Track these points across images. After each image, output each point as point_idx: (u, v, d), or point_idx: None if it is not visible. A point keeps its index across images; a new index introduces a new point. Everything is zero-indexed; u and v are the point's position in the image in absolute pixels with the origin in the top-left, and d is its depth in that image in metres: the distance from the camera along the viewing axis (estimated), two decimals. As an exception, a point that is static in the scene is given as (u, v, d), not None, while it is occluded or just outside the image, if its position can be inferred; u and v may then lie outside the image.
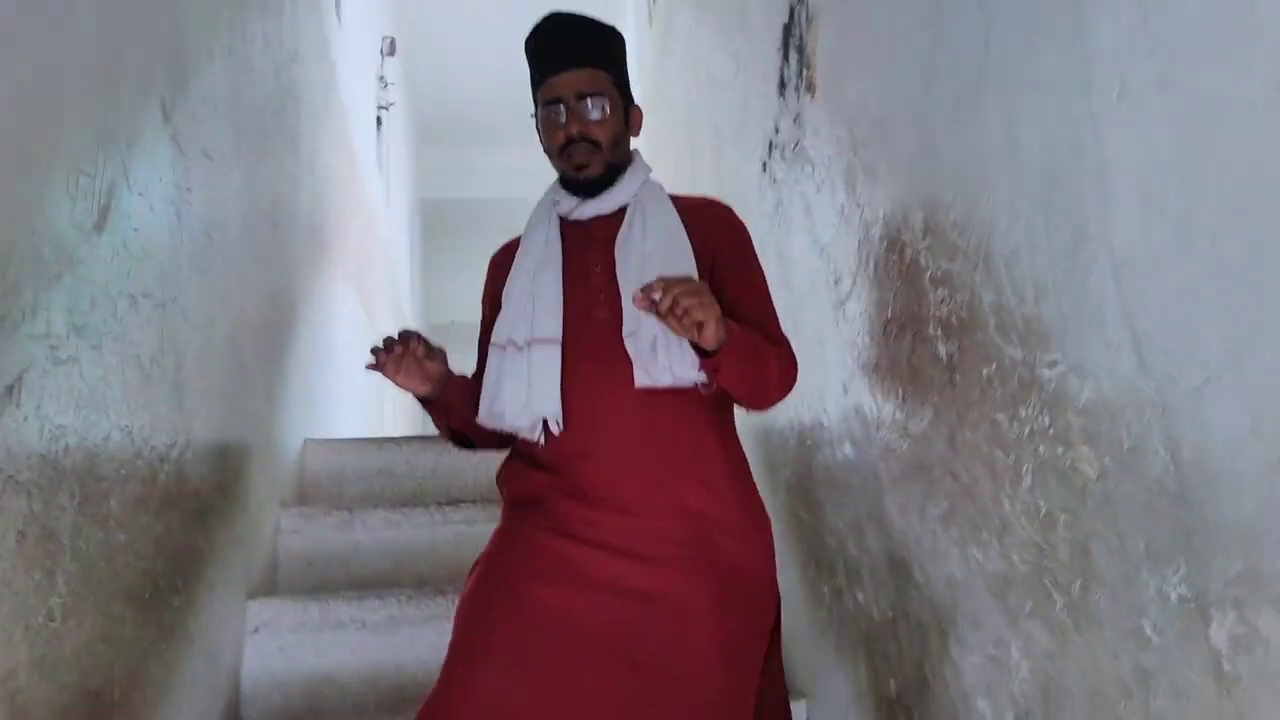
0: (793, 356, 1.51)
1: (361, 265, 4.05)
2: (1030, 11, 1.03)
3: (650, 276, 1.39)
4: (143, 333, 1.62)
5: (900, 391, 1.45)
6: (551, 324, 1.49)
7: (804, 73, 1.83)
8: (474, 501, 2.60)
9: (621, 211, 1.55)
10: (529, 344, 1.48)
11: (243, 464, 2.23)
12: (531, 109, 1.58)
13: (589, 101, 1.52)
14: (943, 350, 1.30)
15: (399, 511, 2.54)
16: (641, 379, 1.42)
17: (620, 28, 4.95)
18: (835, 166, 1.68)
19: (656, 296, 1.27)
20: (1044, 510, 1.05)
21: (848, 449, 1.70)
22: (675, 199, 1.58)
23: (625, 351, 1.43)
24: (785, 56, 1.95)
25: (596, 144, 1.51)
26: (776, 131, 2.03)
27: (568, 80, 1.52)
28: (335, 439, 2.98)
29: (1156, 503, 0.86)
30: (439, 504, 2.57)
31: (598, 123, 1.52)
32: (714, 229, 1.54)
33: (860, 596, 1.66)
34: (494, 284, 1.65)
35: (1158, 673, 0.87)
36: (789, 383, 1.50)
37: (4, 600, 1.17)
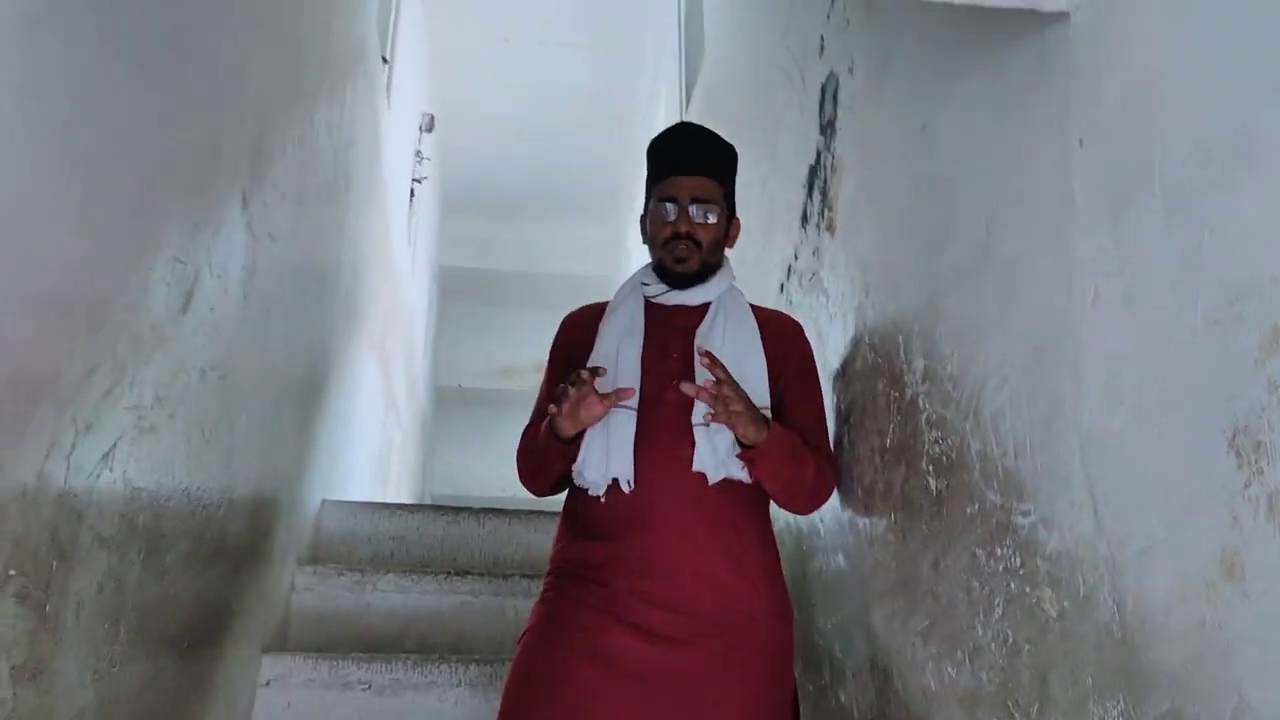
0: (834, 466, 1.71)
1: (385, 331, 4.23)
2: (1025, 216, 1.21)
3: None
4: (208, 403, 1.78)
5: (892, 514, 1.61)
6: (630, 394, 1.64)
7: (825, 213, 2.02)
8: (480, 574, 2.73)
9: (704, 307, 1.74)
10: (610, 409, 1.62)
11: (272, 522, 2.37)
12: (642, 202, 1.81)
13: (702, 207, 1.71)
14: (932, 484, 1.46)
15: (408, 577, 2.67)
16: (699, 465, 1.60)
17: (652, 125, 5.26)
18: (848, 302, 1.86)
19: (716, 376, 1.50)
20: (1011, 639, 1.20)
21: (840, 559, 1.85)
22: (754, 309, 1.77)
23: (689, 435, 1.60)
24: (809, 194, 2.14)
25: (699, 244, 1.70)
26: (796, 258, 2.21)
27: (687, 184, 1.71)
28: (351, 501, 3.12)
29: (1104, 644, 1.02)
30: (446, 573, 2.70)
31: (704, 226, 1.71)
32: (784, 341, 1.76)
33: (842, 696, 1.80)
34: (568, 342, 1.83)
35: (1097, 793, 1.01)
36: (826, 489, 1.71)
37: (81, 646, 1.31)
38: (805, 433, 1.67)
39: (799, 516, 2.12)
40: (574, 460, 1.65)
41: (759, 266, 2.46)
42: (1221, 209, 0.87)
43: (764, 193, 2.58)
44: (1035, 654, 1.15)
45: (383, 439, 4.46)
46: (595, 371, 1.56)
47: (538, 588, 2.57)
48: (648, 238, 1.78)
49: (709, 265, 1.74)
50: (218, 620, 1.96)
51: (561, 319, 1.90)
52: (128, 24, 1.33)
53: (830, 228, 1.98)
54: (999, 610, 1.24)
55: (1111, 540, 1.01)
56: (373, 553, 2.95)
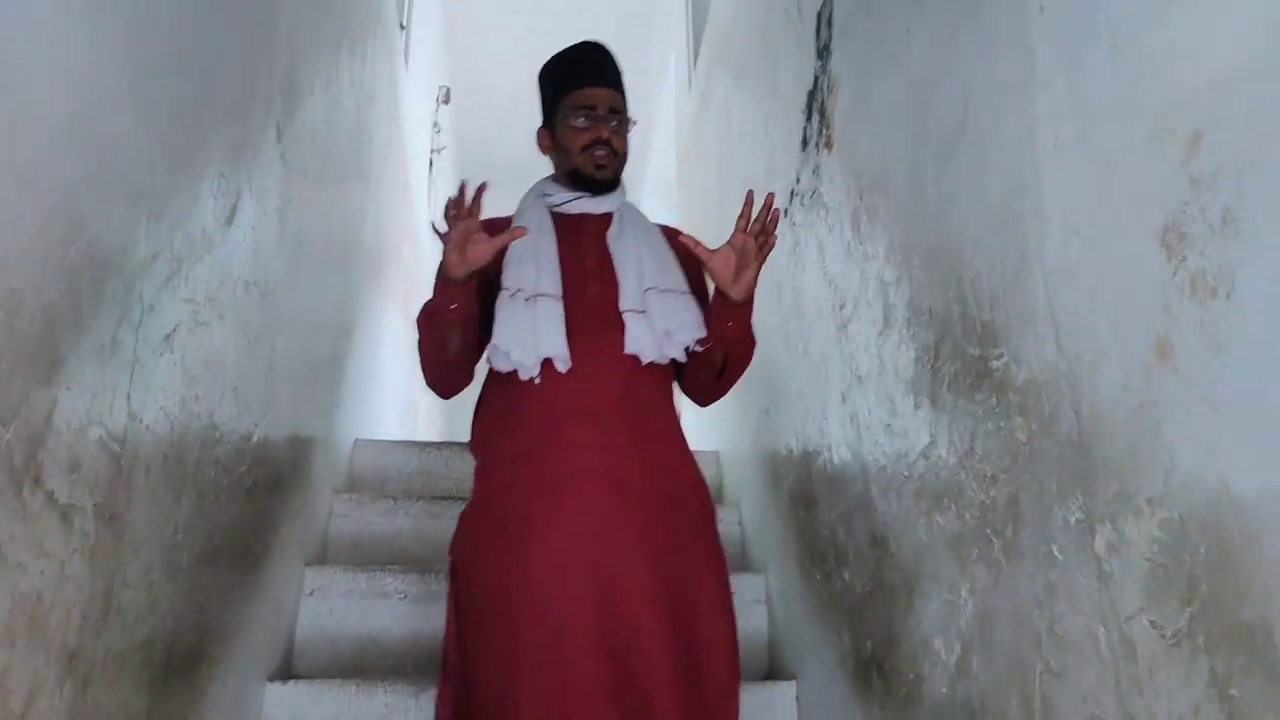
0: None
1: (408, 291, 4.37)
2: (995, 89, 1.33)
3: (646, 273, 1.74)
4: (251, 313, 1.92)
5: (887, 392, 1.73)
6: (552, 283, 1.72)
7: (824, 131, 2.14)
8: (506, 500, 2.86)
9: (606, 216, 1.83)
10: (535, 296, 1.69)
11: (309, 450, 2.51)
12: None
13: (617, 118, 1.81)
14: (923, 356, 1.58)
15: (437, 504, 2.81)
16: (632, 346, 1.69)
17: (660, 90, 5.38)
18: (845, 210, 1.98)
19: (773, 209, 1.61)
20: (989, 474, 1.33)
21: (844, 451, 1.97)
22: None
23: (617, 322, 1.70)
24: (809, 117, 2.26)
25: (616, 153, 1.81)
26: (798, 181, 2.33)
27: (604, 95, 1.81)
28: (381, 440, 3.26)
29: (1065, 454, 1.14)
30: (474, 501, 2.84)
31: (619, 137, 1.82)
32: (674, 242, 1.82)
33: (846, 575, 1.92)
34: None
35: (1060, 584, 1.14)
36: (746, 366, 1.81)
37: (154, 540, 1.44)
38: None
39: (805, 424, 2.24)
40: (466, 319, 1.67)
41: (768, 187, 2.58)
42: (1157, 39, 0.99)
43: (766, 131, 2.70)
44: (1008, 481, 1.27)
45: (407, 395, 4.60)
46: (481, 188, 1.61)
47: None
48: (557, 147, 1.84)
49: (618, 175, 1.84)
50: (263, 530, 2.09)
51: None
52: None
53: (828, 144, 2.10)
54: (979, 451, 1.36)
55: (1070, 358, 1.13)
56: (403, 487, 3.09)
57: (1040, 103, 1.21)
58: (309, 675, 2.31)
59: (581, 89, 1.81)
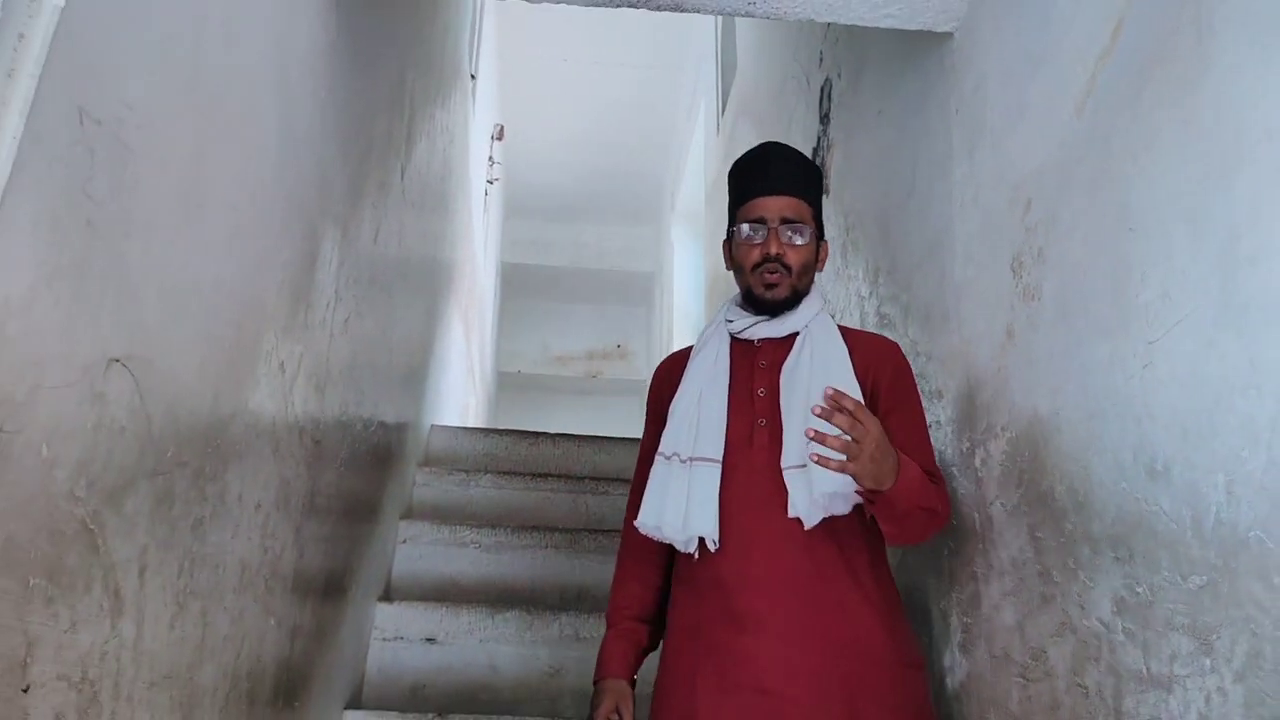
0: (947, 497, 1.59)
1: (468, 306, 5.00)
2: (930, 159, 1.93)
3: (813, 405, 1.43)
4: (380, 315, 2.53)
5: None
6: (714, 445, 1.57)
7: (822, 180, 2.74)
8: (558, 476, 3.46)
9: (791, 339, 1.63)
10: (691, 460, 1.56)
11: (403, 433, 3.11)
12: (726, 223, 1.73)
13: (790, 227, 1.61)
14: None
15: (503, 477, 3.40)
16: (794, 510, 1.51)
17: (693, 134, 6.12)
18: (837, 243, 2.57)
19: (839, 425, 1.33)
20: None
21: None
22: (845, 331, 1.66)
23: (780, 485, 1.52)
24: (811, 169, 2.86)
25: (789, 268, 1.60)
26: (803, 219, 2.93)
27: (775, 204, 1.62)
28: (453, 426, 3.87)
29: (961, 404, 1.72)
30: (532, 475, 3.43)
31: (793, 248, 1.61)
32: (877, 362, 1.63)
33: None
34: (658, 395, 1.76)
35: (956, 490, 1.71)
36: (941, 521, 1.57)
37: (296, 491, 2.03)
38: (910, 451, 1.52)
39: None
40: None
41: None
42: (1013, 141, 1.59)
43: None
44: (931, 424, 1.85)
45: (463, 401, 5.22)
46: None
47: (604, 489, 3.33)
48: (733, 264, 1.68)
49: (799, 291, 1.63)
50: (374, 494, 2.68)
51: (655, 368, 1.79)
52: (347, 32, 2.09)
53: (826, 191, 2.70)
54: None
55: (964, 342, 1.72)
56: (472, 464, 3.69)
57: (955, 173, 1.81)
58: (405, 600, 2.89)
59: (752, 199, 1.64)
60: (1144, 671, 1.12)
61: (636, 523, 1.60)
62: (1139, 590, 1.15)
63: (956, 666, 1.67)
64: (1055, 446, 1.39)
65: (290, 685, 1.82)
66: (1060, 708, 1.31)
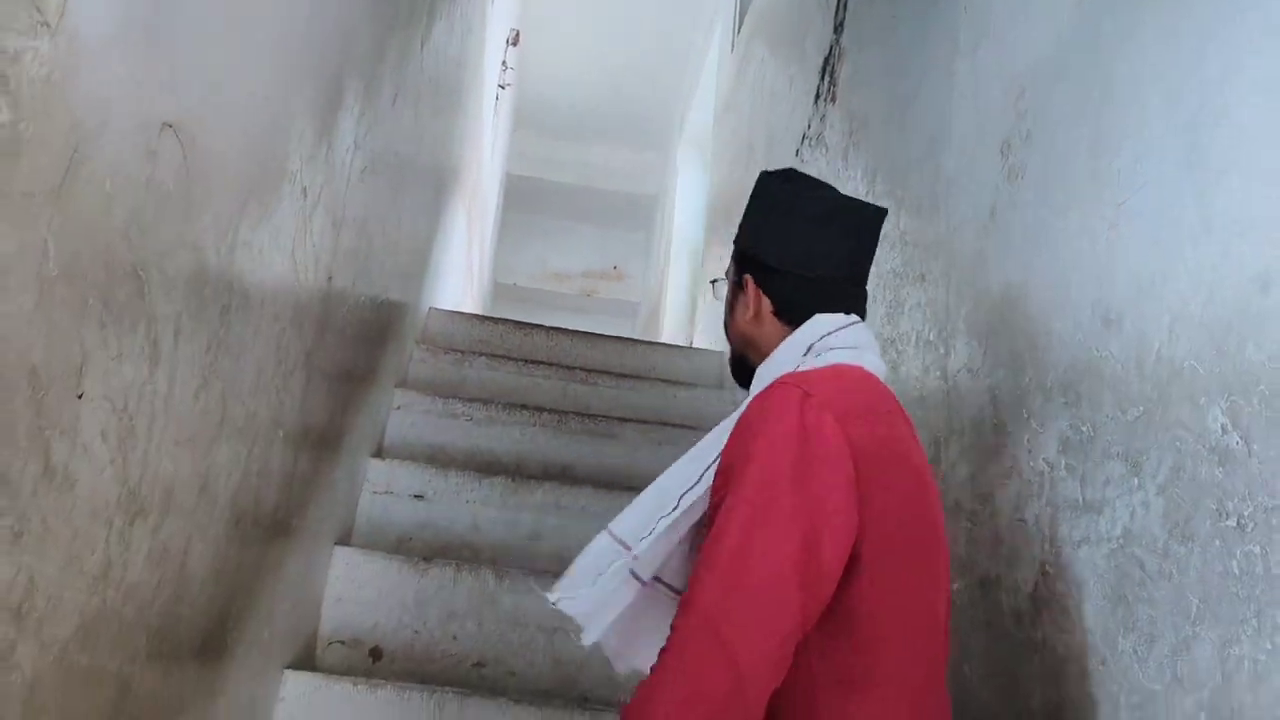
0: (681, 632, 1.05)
1: (471, 201, 5.06)
2: (937, 60, 2.01)
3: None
4: (394, 181, 2.60)
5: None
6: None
7: (831, 89, 2.81)
8: (549, 364, 3.56)
9: None
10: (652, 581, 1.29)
11: (402, 311, 3.20)
12: None
13: (714, 287, 1.41)
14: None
15: (496, 360, 3.51)
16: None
17: (707, 52, 6.16)
18: (839, 147, 2.65)
19: None
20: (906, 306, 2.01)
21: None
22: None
23: None
24: (822, 78, 2.93)
25: (726, 328, 1.37)
26: (809, 127, 3.01)
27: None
28: (450, 310, 3.97)
29: (945, 287, 1.82)
30: (524, 361, 3.54)
31: (726, 310, 1.36)
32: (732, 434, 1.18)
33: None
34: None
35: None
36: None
37: (309, 317, 2.13)
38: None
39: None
40: None
41: (784, 143, 3.26)
42: (1016, 33, 1.67)
43: (790, 89, 3.37)
44: (919, 313, 1.96)
45: (459, 300, 5.31)
46: None
47: (593, 380, 3.44)
48: None
49: (743, 361, 1.34)
50: (370, 364, 2.78)
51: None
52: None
53: (833, 99, 2.78)
54: (907, 307, 2.04)
55: (951, 226, 1.82)
56: (466, 348, 3.79)
57: (957, 74, 1.89)
58: (397, 459, 3.01)
59: None
60: (1079, 500, 1.24)
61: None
62: (1083, 429, 1.26)
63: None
64: (1022, 311, 1.49)
65: (287, 511, 1.92)
66: (1001, 543, 1.43)
